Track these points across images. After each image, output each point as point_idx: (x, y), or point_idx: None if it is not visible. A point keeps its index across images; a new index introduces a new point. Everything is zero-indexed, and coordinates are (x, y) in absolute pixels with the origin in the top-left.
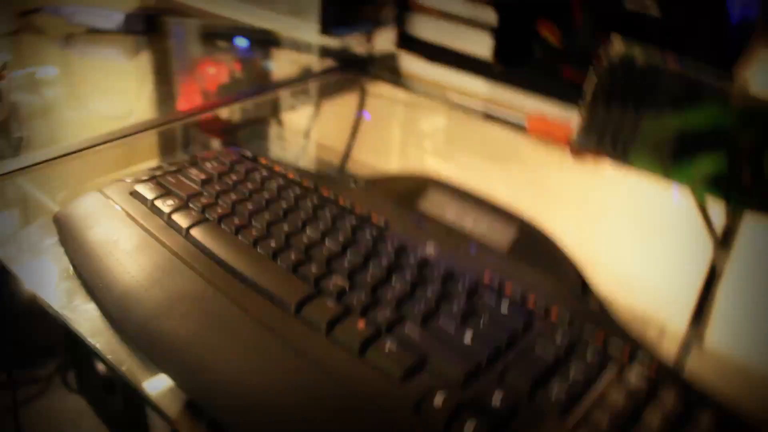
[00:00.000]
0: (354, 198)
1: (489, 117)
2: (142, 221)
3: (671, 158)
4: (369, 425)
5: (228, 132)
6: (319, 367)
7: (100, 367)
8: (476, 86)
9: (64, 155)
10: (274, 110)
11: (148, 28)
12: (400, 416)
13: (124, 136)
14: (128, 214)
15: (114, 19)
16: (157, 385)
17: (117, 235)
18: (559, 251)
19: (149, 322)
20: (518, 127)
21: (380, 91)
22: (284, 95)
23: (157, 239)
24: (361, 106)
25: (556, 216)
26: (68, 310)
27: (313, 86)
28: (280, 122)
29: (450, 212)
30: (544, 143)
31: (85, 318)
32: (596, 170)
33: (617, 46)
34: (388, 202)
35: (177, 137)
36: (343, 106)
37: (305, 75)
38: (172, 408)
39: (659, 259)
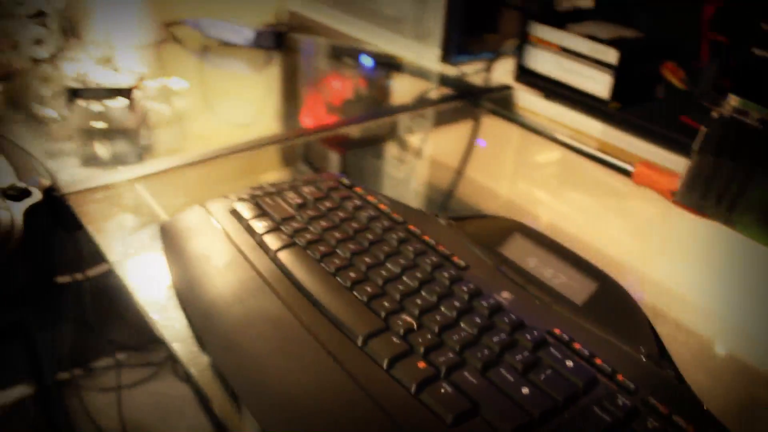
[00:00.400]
0: (440, 235)
1: (596, 159)
2: (236, 239)
3: None
4: None
5: (347, 147)
6: (375, 400)
7: None
8: (589, 126)
9: (183, 165)
10: (392, 131)
11: (276, 44)
12: None
13: (244, 150)
14: (225, 231)
15: (245, 34)
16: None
17: (212, 249)
18: (640, 313)
19: (227, 338)
20: (624, 172)
21: (493, 122)
22: (402, 118)
23: (246, 258)
24: (473, 136)
25: (649, 263)
26: (161, 314)
27: (429, 112)
28: (396, 144)
29: (532, 260)
30: (648, 190)
31: (173, 325)
32: (701, 222)
33: (732, 101)
34: (473, 243)
35: (298, 149)
36: (456, 134)
37: (423, 101)
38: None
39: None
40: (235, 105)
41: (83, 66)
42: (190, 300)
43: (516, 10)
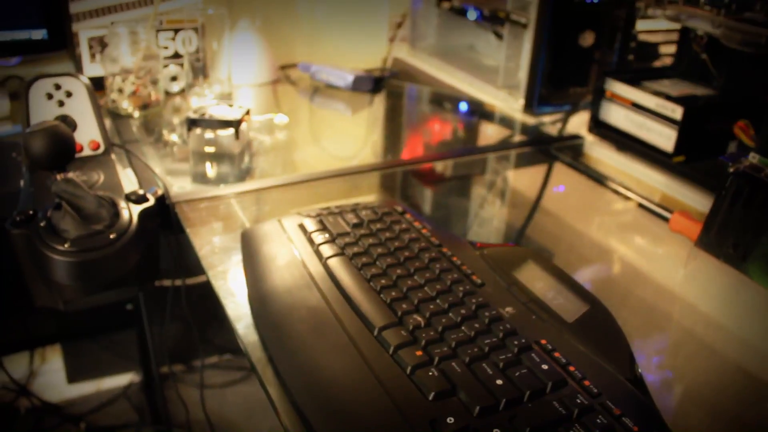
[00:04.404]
0: (467, 258)
1: (643, 207)
2: (298, 246)
3: None
4: (390, 426)
5: (435, 183)
6: (377, 377)
7: None
8: (654, 178)
9: (273, 187)
10: (473, 170)
11: (374, 88)
12: (417, 426)
13: (324, 178)
14: (291, 240)
15: (346, 78)
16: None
17: (278, 253)
18: (620, 336)
19: (275, 318)
20: (663, 218)
21: (559, 168)
22: (482, 159)
23: (303, 262)
24: (545, 181)
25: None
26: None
27: (507, 155)
28: (475, 182)
29: (538, 283)
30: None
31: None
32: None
33: (752, 158)
34: (493, 266)
35: (383, 179)
36: (525, 177)
37: (503, 145)
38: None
39: None
40: (333, 140)
41: (205, 100)
42: (254, 289)
43: (595, 66)
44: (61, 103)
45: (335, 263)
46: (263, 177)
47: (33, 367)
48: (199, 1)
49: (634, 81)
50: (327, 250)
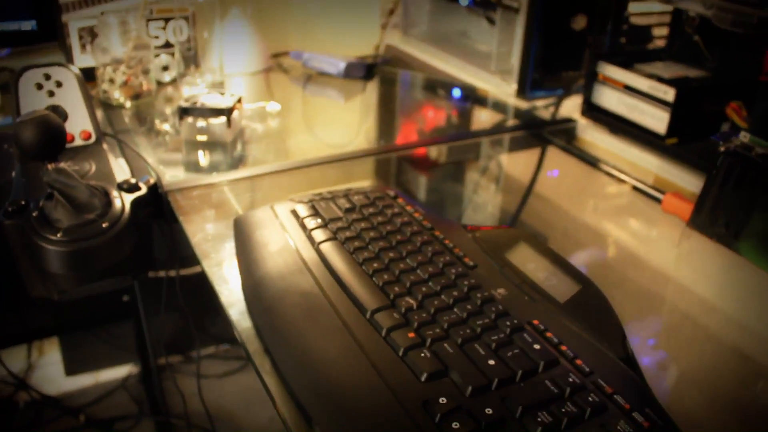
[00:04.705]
0: (459, 241)
1: (636, 189)
2: (290, 232)
3: None
4: (383, 408)
5: (428, 168)
6: (370, 359)
7: None
8: (647, 160)
9: (264, 174)
10: (466, 155)
11: (366, 75)
12: (410, 407)
13: (315, 164)
14: (283, 226)
15: (338, 65)
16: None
17: (271, 238)
18: (613, 316)
19: (268, 303)
20: (656, 200)
21: (555, 152)
22: (476, 143)
23: (295, 247)
24: (538, 164)
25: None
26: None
27: (500, 140)
28: (468, 167)
29: (530, 265)
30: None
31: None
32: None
33: (743, 137)
34: (485, 248)
35: (377, 166)
36: (519, 160)
37: (496, 129)
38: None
39: None
40: (326, 127)
41: (197, 89)
42: (247, 276)
43: (588, 50)
44: (51, 93)
45: (328, 248)
46: (256, 164)
47: (31, 361)
48: None
49: (626, 64)
50: (319, 235)
